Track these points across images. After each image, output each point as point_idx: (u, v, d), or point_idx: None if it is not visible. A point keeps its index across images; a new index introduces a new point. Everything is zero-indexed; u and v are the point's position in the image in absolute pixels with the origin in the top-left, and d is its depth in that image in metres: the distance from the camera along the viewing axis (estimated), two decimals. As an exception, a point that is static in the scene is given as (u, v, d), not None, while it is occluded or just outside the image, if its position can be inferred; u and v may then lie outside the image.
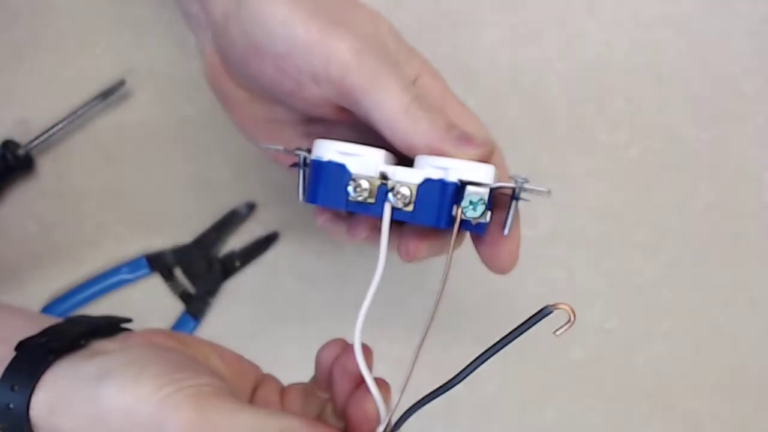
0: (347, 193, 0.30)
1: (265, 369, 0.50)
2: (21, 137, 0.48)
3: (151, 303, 0.50)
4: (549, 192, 0.30)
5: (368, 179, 0.30)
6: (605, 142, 0.50)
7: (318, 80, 0.31)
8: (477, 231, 0.31)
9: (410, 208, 0.30)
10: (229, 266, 0.50)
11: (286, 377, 0.50)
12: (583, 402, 0.50)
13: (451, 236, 0.30)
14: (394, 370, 0.50)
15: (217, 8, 0.34)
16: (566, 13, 0.51)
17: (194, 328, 0.49)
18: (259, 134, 0.37)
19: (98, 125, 0.49)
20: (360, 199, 0.30)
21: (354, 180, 0.30)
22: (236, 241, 0.50)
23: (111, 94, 0.48)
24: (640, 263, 0.51)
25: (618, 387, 0.50)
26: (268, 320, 0.50)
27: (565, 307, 0.27)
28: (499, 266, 0.32)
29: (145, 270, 0.49)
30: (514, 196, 0.31)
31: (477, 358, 0.29)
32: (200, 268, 0.49)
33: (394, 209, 0.30)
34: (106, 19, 0.50)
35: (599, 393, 0.50)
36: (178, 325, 0.49)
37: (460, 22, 0.51)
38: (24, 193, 0.49)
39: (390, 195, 0.30)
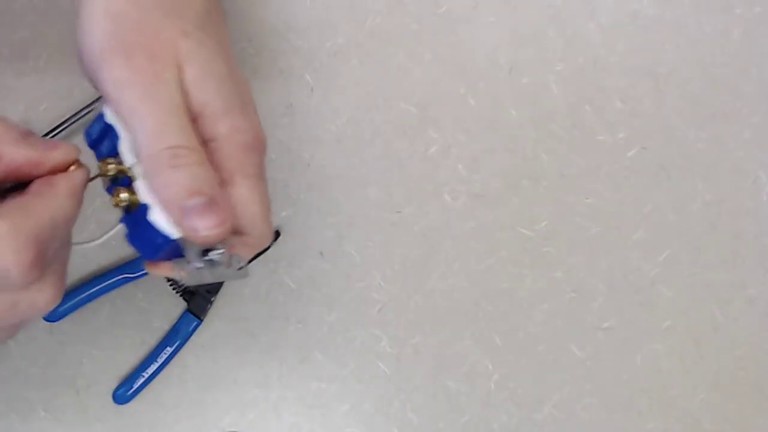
0: (103, 156, 0.33)
1: (265, 368, 0.50)
2: (24, 137, 0.48)
3: (153, 301, 0.50)
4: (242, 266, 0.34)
5: (117, 164, 0.32)
6: (604, 142, 0.51)
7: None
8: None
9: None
10: (231, 265, 0.50)
11: (286, 377, 0.50)
12: (582, 400, 0.51)
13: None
14: (393, 368, 0.50)
15: None
16: (565, 14, 0.51)
17: (196, 326, 0.49)
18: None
19: (101, 125, 0.50)
20: (110, 171, 0.32)
21: (108, 159, 0.32)
22: (238, 241, 0.50)
23: (113, 94, 0.48)
24: (639, 262, 0.51)
25: (616, 385, 0.51)
26: (268, 320, 0.50)
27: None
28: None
29: (148, 269, 0.49)
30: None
31: None
32: (202, 267, 0.49)
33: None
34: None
35: (598, 391, 0.51)
36: (180, 324, 0.49)
37: (460, 22, 0.51)
38: (27, 193, 0.49)
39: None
